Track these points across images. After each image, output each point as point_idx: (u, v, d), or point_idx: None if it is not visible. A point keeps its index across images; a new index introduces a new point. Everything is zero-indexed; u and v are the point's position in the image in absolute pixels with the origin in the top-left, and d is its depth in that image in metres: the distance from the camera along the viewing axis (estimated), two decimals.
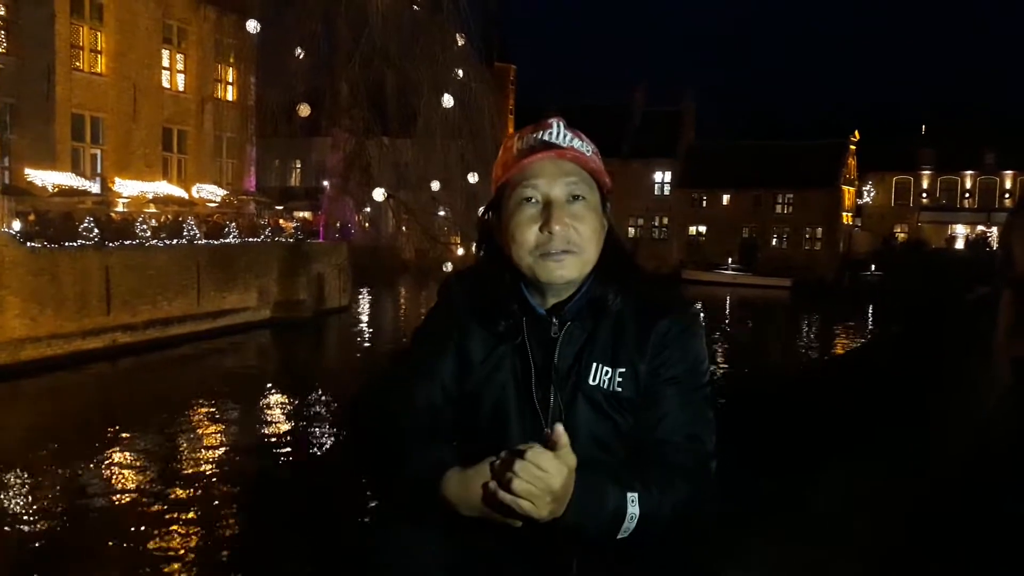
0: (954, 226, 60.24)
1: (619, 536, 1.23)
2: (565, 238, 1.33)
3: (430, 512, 1.26)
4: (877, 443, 3.17)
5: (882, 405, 3.58)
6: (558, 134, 1.37)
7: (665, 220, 57.90)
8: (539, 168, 1.35)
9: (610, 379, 1.34)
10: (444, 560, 1.32)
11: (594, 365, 1.35)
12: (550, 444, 1.15)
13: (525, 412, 1.36)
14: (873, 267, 52.69)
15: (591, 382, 1.34)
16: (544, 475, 1.13)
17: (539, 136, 1.37)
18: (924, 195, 61.08)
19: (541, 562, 1.32)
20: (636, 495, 1.23)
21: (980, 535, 3.42)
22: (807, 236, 55.20)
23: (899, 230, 60.80)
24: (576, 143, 1.38)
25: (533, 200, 1.35)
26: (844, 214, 56.65)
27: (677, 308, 1.39)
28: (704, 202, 57.05)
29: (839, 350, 29.42)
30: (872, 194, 62.61)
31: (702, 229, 57.37)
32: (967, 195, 59.80)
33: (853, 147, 56.93)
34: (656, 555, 1.33)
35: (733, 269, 51.96)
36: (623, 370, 1.34)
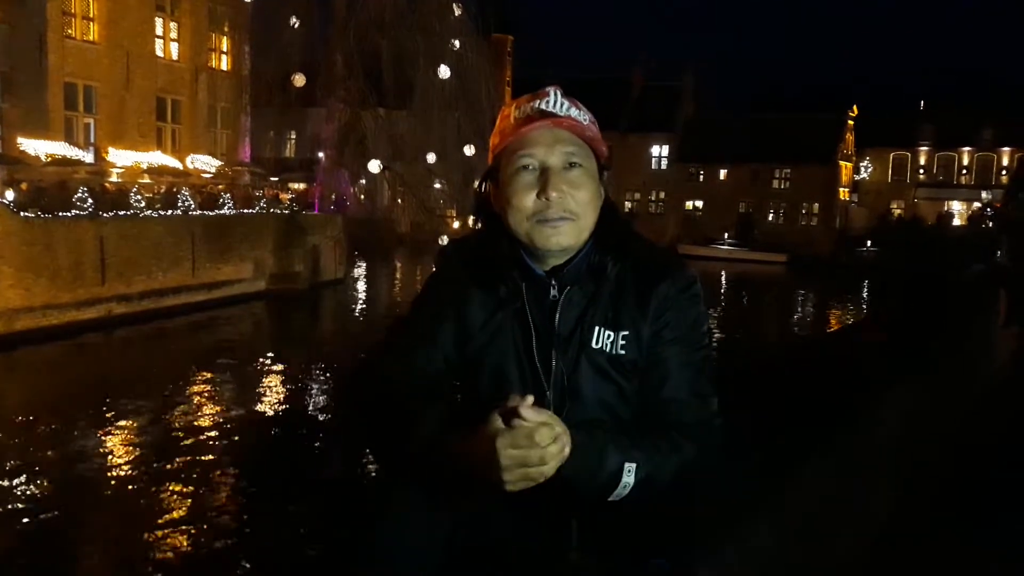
0: (950, 202, 60.22)
1: (612, 497, 1.26)
2: (562, 205, 1.34)
3: (430, 475, 1.26)
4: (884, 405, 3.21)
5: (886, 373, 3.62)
6: (555, 103, 1.38)
7: (662, 195, 57.77)
8: (536, 136, 1.36)
9: (612, 342, 1.36)
10: (443, 531, 1.33)
11: (597, 329, 1.36)
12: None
13: (526, 376, 1.37)
14: (869, 243, 52.73)
15: (594, 345, 1.36)
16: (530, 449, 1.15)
17: (536, 105, 1.38)
18: (921, 171, 60.98)
19: (541, 522, 1.33)
20: (634, 461, 1.25)
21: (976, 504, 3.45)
22: (804, 212, 55.16)
23: (895, 206, 60.76)
24: (573, 112, 1.38)
25: (530, 167, 1.36)
26: (841, 190, 56.58)
27: (677, 271, 1.40)
28: (701, 177, 56.90)
29: (834, 324, 29.52)
30: (869, 170, 62.48)
31: (699, 204, 57.27)
32: (964, 171, 59.72)
33: (851, 122, 56.73)
34: (655, 517, 1.35)
35: (729, 244, 51.94)
36: (626, 332, 1.36)
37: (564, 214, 1.34)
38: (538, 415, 1.15)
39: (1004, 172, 56.17)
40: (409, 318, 1.47)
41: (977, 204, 57.07)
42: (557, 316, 1.37)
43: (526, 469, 1.14)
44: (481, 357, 1.40)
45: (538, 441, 1.14)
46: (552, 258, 1.38)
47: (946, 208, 59.86)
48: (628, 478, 1.24)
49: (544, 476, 1.15)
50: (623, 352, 1.36)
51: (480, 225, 1.47)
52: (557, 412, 1.25)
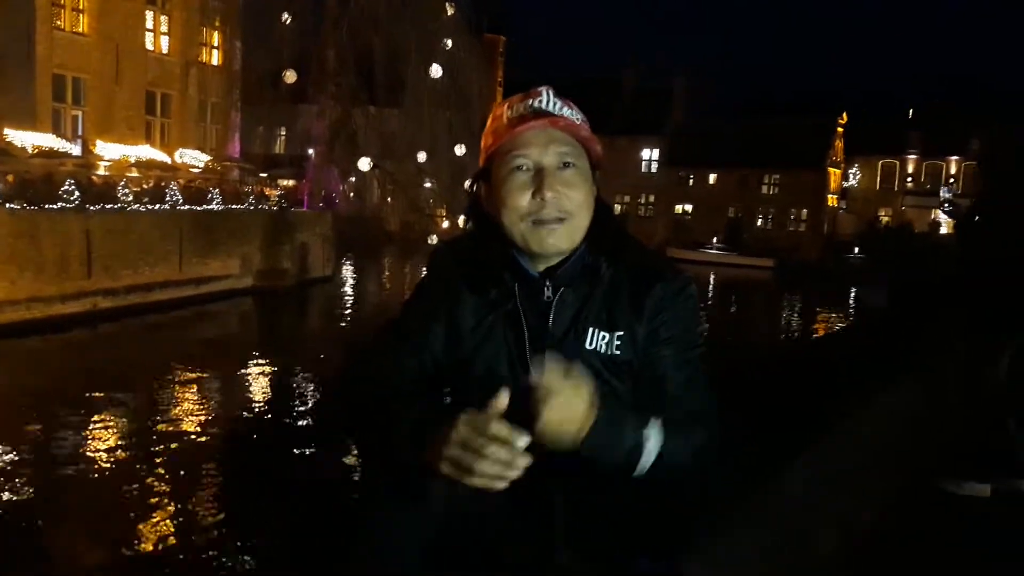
0: (938, 211, 60.64)
1: (636, 472, 1.25)
2: (557, 205, 1.34)
3: (410, 473, 1.26)
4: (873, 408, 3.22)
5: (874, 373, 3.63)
6: (548, 102, 1.37)
7: (651, 198, 57.89)
8: (531, 136, 1.35)
9: (607, 343, 1.36)
10: (429, 529, 1.32)
11: (591, 330, 1.36)
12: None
13: (518, 377, 1.36)
14: (857, 249, 52.99)
15: (588, 346, 1.36)
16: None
17: (530, 104, 1.37)
18: (909, 179, 61.37)
19: (527, 523, 1.33)
20: (656, 433, 1.25)
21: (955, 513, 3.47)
22: (792, 217, 55.40)
23: (883, 213, 61.11)
24: (566, 111, 1.38)
25: (524, 168, 1.36)
26: (829, 196, 56.85)
27: (671, 272, 1.40)
28: (691, 181, 57.05)
29: (820, 330, 29.64)
30: (858, 177, 62.83)
31: (688, 208, 57.43)
32: (952, 180, 60.13)
33: (840, 129, 57.00)
34: (642, 517, 1.35)
35: (718, 249, 52.11)
36: (620, 333, 1.36)
37: (559, 214, 1.34)
38: (501, 406, 1.15)
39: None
40: (400, 319, 1.46)
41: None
42: (551, 317, 1.36)
43: (462, 455, 1.14)
44: (472, 359, 1.39)
45: (492, 431, 1.13)
46: (546, 259, 1.38)
47: (933, 216, 60.27)
48: (647, 456, 1.24)
49: (479, 471, 1.14)
50: (618, 353, 1.36)
51: (472, 224, 1.47)
52: None
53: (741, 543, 1.84)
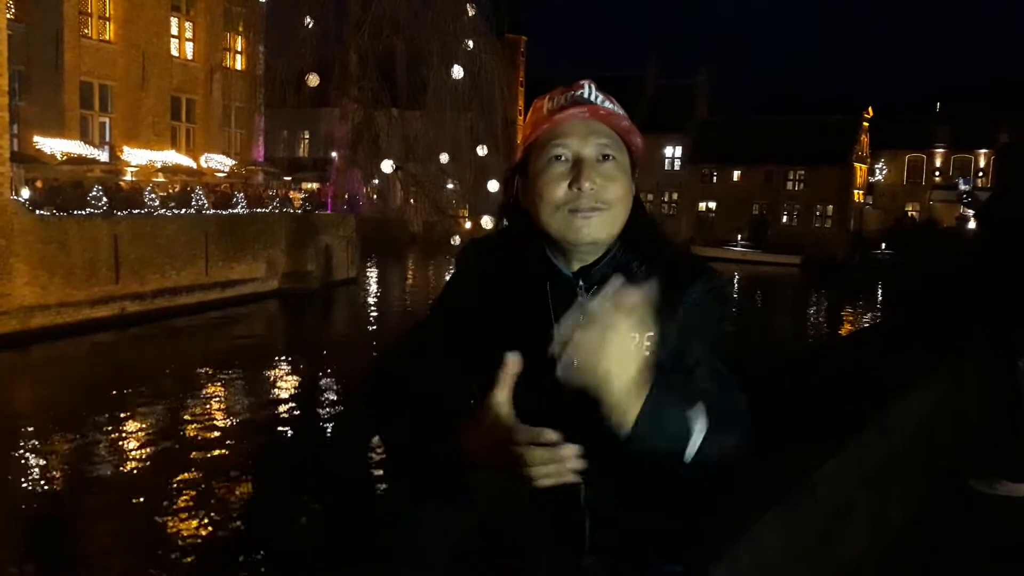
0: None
1: (679, 464, 1.20)
2: (595, 196, 1.31)
3: (438, 472, 1.26)
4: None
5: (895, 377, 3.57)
6: (590, 93, 1.35)
7: (675, 196, 57.61)
8: (571, 127, 1.33)
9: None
10: (455, 532, 1.32)
11: None
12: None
13: (548, 376, 1.34)
14: (884, 245, 52.35)
15: None
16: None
17: (571, 94, 1.35)
18: (937, 173, 60.52)
19: (553, 525, 1.31)
20: (701, 418, 1.20)
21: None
22: (818, 213, 54.86)
23: (910, 208, 60.33)
24: (607, 104, 1.36)
25: (563, 158, 1.33)
26: (855, 191, 56.23)
27: (708, 272, 1.38)
28: (715, 178, 56.70)
29: (847, 328, 29.32)
30: (884, 172, 62.07)
31: (712, 205, 57.07)
32: (980, 174, 59.24)
33: (866, 124, 56.37)
34: (669, 521, 1.33)
35: (742, 246, 51.73)
36: (651, 334, 1.33)
37: (596, 204, 1.31)
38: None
39: None
40: (427, 317, 1.45)
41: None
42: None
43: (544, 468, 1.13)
44: (499, 356, 1.38)
45: (519, 439, 1.12)
46: (580, 256, 1.36)
47: (961, 211, 59.38)
48: (692, 445, 1.18)
49: (533, 476, 1.13)
50: (648, 354, 1.34)
51: (506, 222, 1.44)
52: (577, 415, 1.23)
53: (769, 546, 1.81)
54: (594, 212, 1.31)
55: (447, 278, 1.51)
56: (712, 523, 1.45)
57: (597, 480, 1.27)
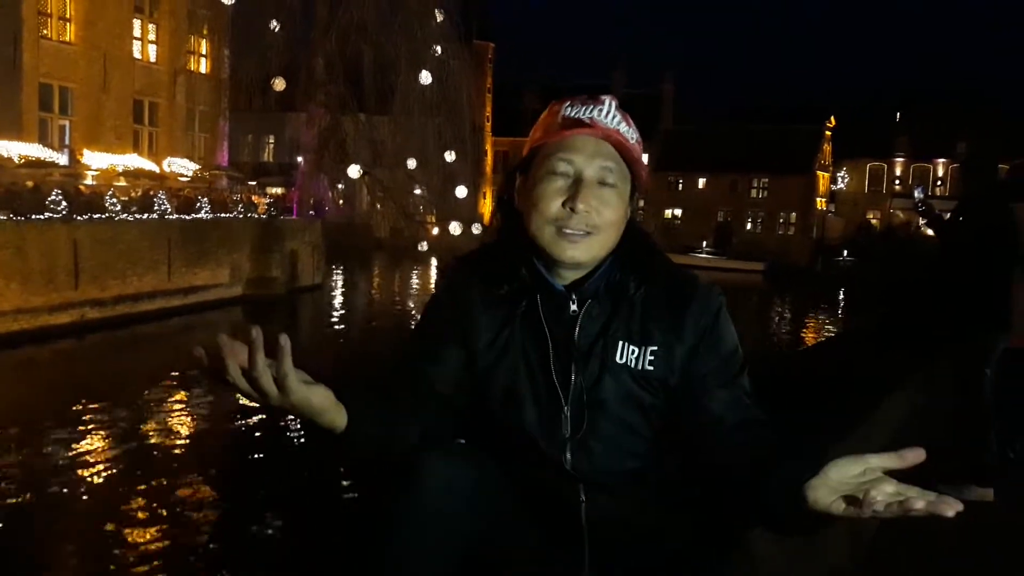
0: None
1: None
2: (586, 219, 1.31)
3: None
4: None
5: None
6: (607, 113, 1.34)
7: (641, 203, 57.22)
8: (580, 144, 1.32)
9: (638, 358, 1.32)
10: (455, 549, 1.27)
11: (620, 343, 1.33)
12: None
13: (540, 391, 1.33)
14: (846, 252, 53.25)
15: (618, 360, 1.32)
16: None
17: (588, 110, 1.34)
18: (897, 182, 61.75)
19: (554, 542, 1.31)
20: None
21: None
22: (781, 221, 55.72)
23: (871, 216, 61.49)
24: (623, 127, 1.35)
25: (564, 173, 1.33)
26: (818, 199, 57.17)
27: (706, 290, 1.39)
28: (680, 185, 57.30)
29: (813, 335, 29.72)
30: (846, 180, 63.18)
31: (678, 212, 57.65)
32: (939, 183, 60.52)
33: (828, 133, 57.37)
34: (665, 535, 1.33)
35: (707, 253, 52.27)
36: (654, 348, 1.33)
37: (587, 228, 1.31)
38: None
39: None
40: (411, 340, 1.42)
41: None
42: (577, 329, 1.33)
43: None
44: (490, 375, 1.36)
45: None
46: (567, 271, 1.35)
47: (917, 219, 60.47)
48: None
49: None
50: (651, 368, 1.32)
51: (499, 220, 1.44)
52: (576, 427, 1.23)
53: (757, 553, 1.79)
54: (582, 235, 1.31)
55: (430, 296, 1.49)
56: (704, 532, 1.42)
57: (597, 499, 1.25)
